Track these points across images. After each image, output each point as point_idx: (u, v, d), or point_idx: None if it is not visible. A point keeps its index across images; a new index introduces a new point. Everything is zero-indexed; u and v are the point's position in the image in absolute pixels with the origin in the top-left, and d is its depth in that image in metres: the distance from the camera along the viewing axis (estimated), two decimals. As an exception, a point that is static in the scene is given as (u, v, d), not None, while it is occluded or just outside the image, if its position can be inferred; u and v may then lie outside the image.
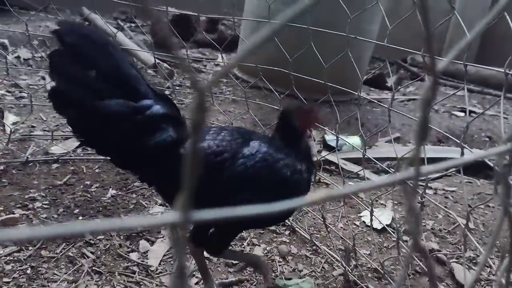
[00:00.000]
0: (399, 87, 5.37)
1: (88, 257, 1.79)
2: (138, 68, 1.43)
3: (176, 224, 0.29)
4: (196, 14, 2.66)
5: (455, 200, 2.61)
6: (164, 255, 1.85)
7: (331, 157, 3.32)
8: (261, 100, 4.26)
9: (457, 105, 4.93)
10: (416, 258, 2.00)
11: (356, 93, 2.01)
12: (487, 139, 4.13)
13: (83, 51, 1.30)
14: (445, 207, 2.49)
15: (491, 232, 2.29)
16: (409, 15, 1.52)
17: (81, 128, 1.37)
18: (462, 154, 1.62)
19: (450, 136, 1.64)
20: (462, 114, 4.66)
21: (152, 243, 1.92)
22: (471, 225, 2.30)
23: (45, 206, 2.08)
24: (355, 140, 3.81)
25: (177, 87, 4.27)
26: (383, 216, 2.29)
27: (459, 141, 2.10)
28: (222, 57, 2.83)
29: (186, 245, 0.29)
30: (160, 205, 2.19)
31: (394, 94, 2.12)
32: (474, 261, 2.07)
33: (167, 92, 3.84)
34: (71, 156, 2.56)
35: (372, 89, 5.51)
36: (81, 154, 2.61)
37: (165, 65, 4.45)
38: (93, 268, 1.73)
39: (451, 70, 5.96)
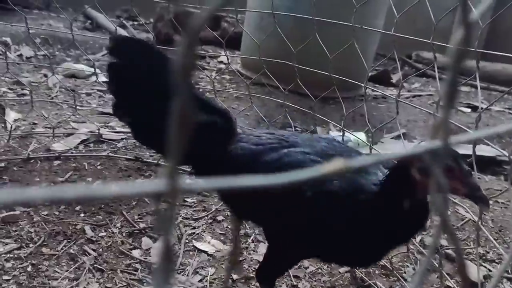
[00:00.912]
0: (404, 82, 5.31)
1: (89, 254, 1.75)
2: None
3: (162, 193, 0.25)
4: (198, 10, 2.62)
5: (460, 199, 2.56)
6: (167, 252, 1.82)
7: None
8: (265, 96, 4.21)
9: (463, 101, 4.87)
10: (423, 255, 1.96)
11: (362, 86, 1.97)
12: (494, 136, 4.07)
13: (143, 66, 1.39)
14: (454, 202, 2.44)
15: (500, 228, 2.24)
16: (415, 11, 1.48)
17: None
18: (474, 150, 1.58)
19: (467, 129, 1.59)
20: (469, 110, 4.60)
21: (155, 240, 1.89)
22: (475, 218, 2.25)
23: (46, 203, 2.04)
24: (360, 136, 3.77)
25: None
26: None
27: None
28: (225, 52, 2.80)
29: (173, 219, 0.25)
30: (163, 201, 2.15)
31: (401, 86, 2.08)
32: (484, 257, 2.02)
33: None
34: (72, 153, 2.53)
35: (377, 85, 5.46)
36: (83, 151, 2.58)
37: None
38: (95, 265, 1.70)
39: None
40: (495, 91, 5.63)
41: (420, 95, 5.17)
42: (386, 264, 1.85)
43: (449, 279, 1.76)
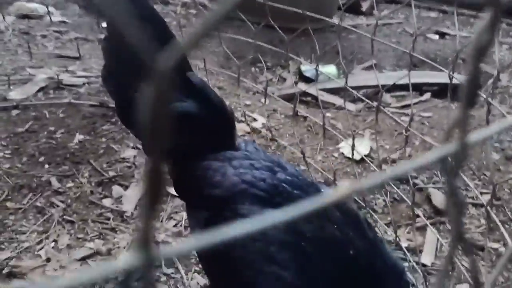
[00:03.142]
0: (375, 11, 5.19)
1: (57, 206, 1.71)
2: None
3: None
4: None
5: (431, 125, 2.59)
6: (139, 200, 1.79)
7: (307, 89, 3.24)
8: (234, 31, 4.05)
9: (432, 27, 4.81)
10: (394, 186, 2.00)
11: (332, 17, 1.89)
12: (461, 61, 4.08)
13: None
14: (421, 133, 2.47)
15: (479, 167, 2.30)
16: None
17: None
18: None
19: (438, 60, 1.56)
20: (437, 37, 4.57)
21: (126, 187, 1.85)
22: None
23: (7, 156, 1.96)
24: (331, 69, 3.71)
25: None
26: (362, 146, 2.26)
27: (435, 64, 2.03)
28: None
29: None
30: (132, 147, 2.09)
31: (376, 25, 2.00)
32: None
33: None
34: (31, 101, 2.40)
35: (346, 14, 5.32)
36: (43, 99, 2.45)
37: None
38: (64, 217, 1.67)
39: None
40: (462, 15, 5.57)
41: (390, 24, 5.08)
42: (357, 199, 1.88)
43: (417, 208, 1.81)
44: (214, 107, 1.06)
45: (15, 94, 2.44)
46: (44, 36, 3.41)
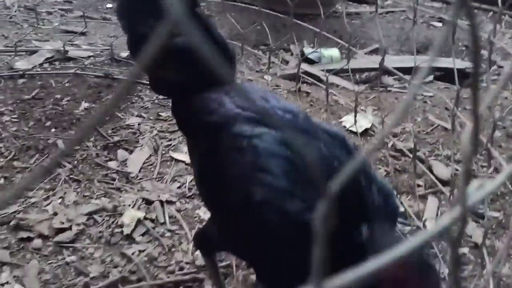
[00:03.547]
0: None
1: (64, 166, 1.73)
2: None
3: None
4: None
5: (433, 104, 2.61)
6: (144, 163, 1.82)
7: (310, 69, 3.26)
8: (237, 15, 4.07)
9: (436, 15, 4.82)
10: (394, 158, 2.03)
11: (335, 3, 1.90)
12: (463, 48, 4.09)
13: None
14: (424, 111, 2.49)
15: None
16: None
17: None
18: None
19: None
20: (440, 24, 4.58)
21: (131, 152, 1.87)
22: (448, 126, 2.32)
23: (14, 120, 1.98)
24: (334, 52, 3.73)
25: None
26: (364, 121, 2.28)
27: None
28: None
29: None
30: (137, 116, 2.11)
31: (377, 8, 2.01)
32: (450, 158, 2.10)
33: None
34: (37, 71, 2.42)
35: (350, 2, 5.33)
36: (49, 69, 2.47)
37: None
38: (71, 176, 1.69)
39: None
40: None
41: (393, 11, 5.09)
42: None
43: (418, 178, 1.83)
44: (217, 44, 1.08)
45: (21, 64, 2.45)
46: (49, 13, 3.43)
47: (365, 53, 3.89)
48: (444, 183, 1.86)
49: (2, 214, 1.48)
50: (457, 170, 2.02)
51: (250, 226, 0.91)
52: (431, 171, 1.93)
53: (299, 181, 0.86)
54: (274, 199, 0.87)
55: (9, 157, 1.74)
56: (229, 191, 0.93)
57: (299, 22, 2.83)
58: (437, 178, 1.89)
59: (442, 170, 1.96)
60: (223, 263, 1.38)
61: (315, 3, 2.24)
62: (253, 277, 1.35)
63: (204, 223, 1.24)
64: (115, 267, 1.34)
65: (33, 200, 1.55)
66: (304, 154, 0.96)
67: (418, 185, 1.87)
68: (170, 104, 2.18)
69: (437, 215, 1.71)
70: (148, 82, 1.26)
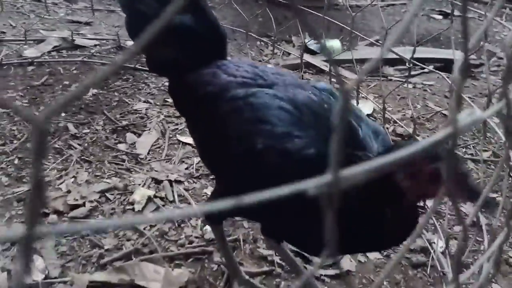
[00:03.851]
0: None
1: (75, 148, 1.79)
2: None
3: None
4: None
5: (433, 92, 2.67)
6: (152, 145, 1.87)
7: (312, 60, 3.31)
8: (239, 6, 4.11)
9: (436, 8, 4.87)
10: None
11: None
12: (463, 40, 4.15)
13: None
14: (424, 98, 2.55)
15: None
16: None
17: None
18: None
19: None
20: (441, 17, 4.63)
21: (139, 135, 1.93)
22: (446, 112, 2.38)
23: (25, 104, 2.04)
24: (335, 44, 3.77)
25: None
26: (365, 107, 2.33)
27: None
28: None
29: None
30: (144, 101, 2.17)
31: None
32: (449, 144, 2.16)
33: None
34: (45, 58, 2.47)
35: (351, -4, 5.37)
36: (56, 57, 2.52)
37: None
38: (82, 157, 1.75)
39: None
40: (469, 0, 5.63)
41: (394, 4, 5.14)
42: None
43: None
44: (209, 22, 1.16)
45: (30, 52, 2.50)
46: (55, 4, 3.47)
47: (366, 45, 3.94)
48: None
49: (18, 192, 1.54)
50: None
51: (256, 177, 0.94)
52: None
53: (295, 123, 0.94)
54: (275, 144, 0.94)
55: (22, 139, 1.80)
56: (232, 150, 0.99)
57: (309, 11, 2.86)
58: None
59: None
60: (231, 237, 1.44)
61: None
62: (260, 250, 1.41)
63: (210, 194, 1.28)
64: (128, 240, 1.39)
65: (46, 179, 1.61)
66: (296, 100, 1.02)
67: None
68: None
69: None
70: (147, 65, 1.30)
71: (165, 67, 1.22)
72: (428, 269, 1.40)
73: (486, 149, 2.07)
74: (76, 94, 0.27)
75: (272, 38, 3.85)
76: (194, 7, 1.14)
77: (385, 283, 1.33)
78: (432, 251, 1.44)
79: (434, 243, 1.46)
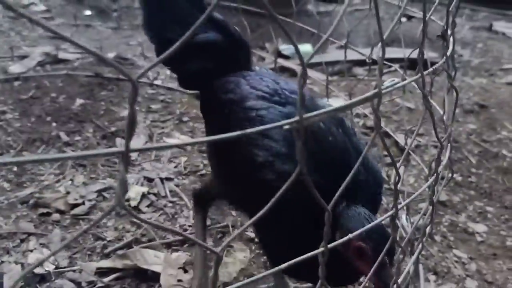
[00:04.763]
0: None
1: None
2: None
3: None
4: None
5: (400, 88, 2.88)
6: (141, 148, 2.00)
7: (286, 64, 3.50)
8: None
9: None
10: (365, 135, 2.26)
11: (306, 3, 2.13)
12: (427, 40, 4.41)
13: None
14: (391, 93, 2.75)
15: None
16: None
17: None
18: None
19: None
20: (405, 19, 4.89)
21: (128, 140, 2.05)
22: (412, 106, 2.59)
23: (17, 117, 2.14)
24: (307, 48, 3.97)
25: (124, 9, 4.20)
26: (337, 104, 2.52)
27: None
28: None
29: None
30: (129, 108, 2.30)
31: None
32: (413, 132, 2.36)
33: (114, 15, 3.80)
34: (30, 73, 2.58)
35: (320, 2, 5.62)
36: (41, 71, 2.63)
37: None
38: (76, 162, 1.87)
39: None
40: (430, 3, 5.93)
41: (361, 9, 5.40)
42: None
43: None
44: (233, 36, 1.28)
45: (15, 68, 2.61)
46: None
47: (336, 48, 4.16)
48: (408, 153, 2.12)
49: (21, 196, 1.65)
50: (419, 141, 2.29)
51: (252, 184, 1.04)
52: (397, 143, 2.18)
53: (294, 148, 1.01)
54: (274, 161, 1.01)
55: (18, 149, 1.91)
56: (237, 154, 1.09)
57: (283, 18, 3.03)
58: (402, 149, 2.14)
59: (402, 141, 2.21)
60: (220, 224, 1.59)
61: (287, 2, 2.46)
62: (248, 233, 1.56)
63: (203, 183, 1.42)
64: (128, 232, 1.53)
65: (46, 183, 1.73)
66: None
67: (385, 155, 2.11)
68: (163, 98, 2.36)
69: (402, 179, 1.96)
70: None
71: (196, 80, 1.32)
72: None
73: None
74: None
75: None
76: (216, 25, 1.26)
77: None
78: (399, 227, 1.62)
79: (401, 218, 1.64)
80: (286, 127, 0.47)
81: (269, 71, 1.33)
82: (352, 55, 2.86)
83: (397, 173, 0.69)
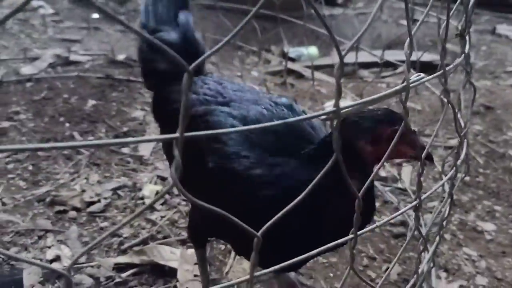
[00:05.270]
0: (349, 2, 5.54)
1: (83, 153, 1.94)
2: None
3: None
4: None
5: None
6: (154, 148, 2.03)
7: (293, 66, 3.54)
8: (219, 20, 4.32)
9: (403, 14, 5.19)
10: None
11: (310, 6, 2.16)
12: (430, 43, 4.44)
13: None
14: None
15: (434, 112, 2.62)
16: None
17: None
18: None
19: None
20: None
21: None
22: (419, 107, 2.62)
23: (30, 118, 2.18)
24: (313, 50, 4.01)
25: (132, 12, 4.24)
26: (344, 104, 2.55)
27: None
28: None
29: None
30: (141, 109, 2.33)
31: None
32: (421, 134, 2.39)
33: (122, 17, 3.84)
34: (42, 75, 2.62)
35: (324, 6, 5.65)
36: (52, 73, 2.67)
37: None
38: (90, 161, 1.90)
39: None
40: (435, 7, 5.98)
41: (365, 13, 5.44)
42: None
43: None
44: (189, 40, 1.30)
45: (27, 70, 2.65)
46: (42, 24, 3.61)
47: (342, 50, 4.19)
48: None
49: (37, 194, 1.68)
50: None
51: (210, 192, 0.94)
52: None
53: (244, 142, 1.01)
54: (224, 163, 0.99)
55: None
56: (190, 166, 1.05)
57: (291, 19, 3.08)
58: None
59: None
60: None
61: (292, 7, 2.51)
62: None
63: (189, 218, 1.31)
64: (143, 229, 1.56)
65: (61, 181, 1.76)
66: (248, 117, 1.12)
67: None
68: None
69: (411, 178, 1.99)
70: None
71: (153, 78, 1.33)
72: (407, 239, 1.60)
73: (452, 137, 2.30)
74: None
75: (255, 49, 4.06)
76: (180, 28, 1.31)
77: (371, 251, 1.53)
78: (410, 223, 1.65)
79: (411, 216, 1.66)
80: (323, 117, 0.50)
81: (215, 74, 1.35)
82: (359, 58, 2.90)
83: (422, 166, 0.72)
